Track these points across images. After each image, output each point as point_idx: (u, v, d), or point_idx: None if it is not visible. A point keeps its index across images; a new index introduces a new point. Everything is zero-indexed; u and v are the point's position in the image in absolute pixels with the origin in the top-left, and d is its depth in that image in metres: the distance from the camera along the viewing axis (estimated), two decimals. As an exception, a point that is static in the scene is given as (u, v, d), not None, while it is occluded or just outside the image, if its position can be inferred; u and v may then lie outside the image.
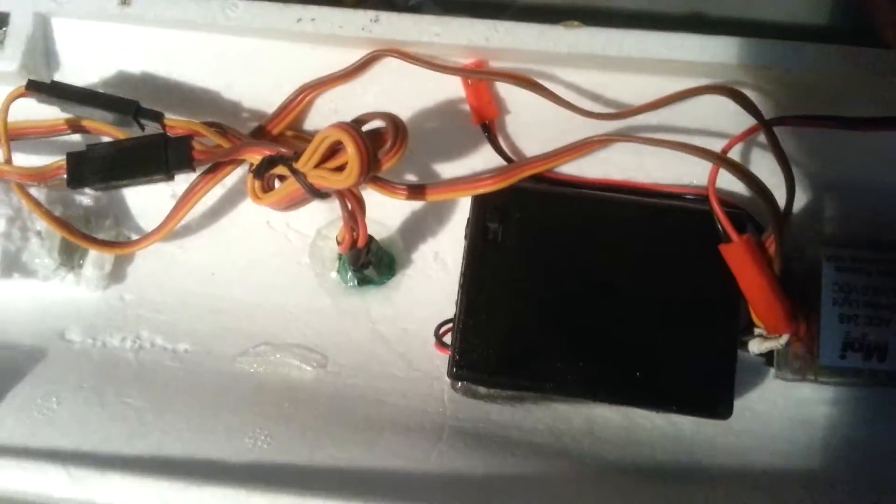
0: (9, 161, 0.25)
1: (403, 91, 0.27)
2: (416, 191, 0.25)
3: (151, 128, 0.25)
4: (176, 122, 0.25)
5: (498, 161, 0.27)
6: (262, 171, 0.23)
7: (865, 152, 0.25)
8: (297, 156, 0.23)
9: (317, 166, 0.23)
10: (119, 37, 0.27)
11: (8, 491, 0.23)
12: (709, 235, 0.24)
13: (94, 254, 0.27)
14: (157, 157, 0.24)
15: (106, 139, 0.25)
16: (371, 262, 0.26)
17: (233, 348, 0.28)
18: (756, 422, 0.26)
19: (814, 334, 0.24)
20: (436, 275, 0.28)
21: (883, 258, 0.24)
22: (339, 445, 0.25)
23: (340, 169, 0.23)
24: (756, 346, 0.25)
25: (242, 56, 0.27)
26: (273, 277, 0.28)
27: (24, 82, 0.25)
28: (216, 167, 0.25)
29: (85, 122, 0.25)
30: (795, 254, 0.25)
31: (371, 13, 0.25)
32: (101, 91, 0.26)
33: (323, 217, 0.28)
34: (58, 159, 0.25)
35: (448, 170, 0.27)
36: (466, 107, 0.26)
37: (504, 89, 0.27)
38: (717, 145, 0.25)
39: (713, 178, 0.24)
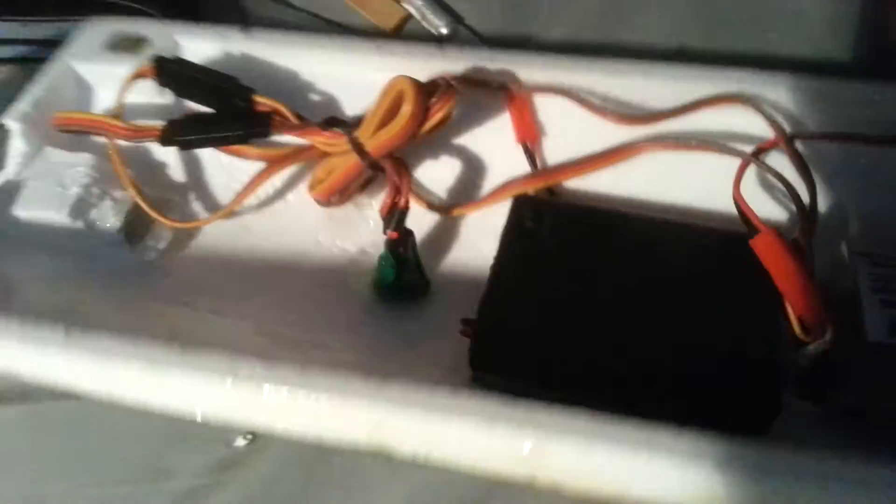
0: (117, 116, 0.29)
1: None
2: (454, 208, 0.27)
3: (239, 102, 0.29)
4: (263, 98, 0.29)
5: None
6: (328, 124, 0.27)
7: (883, 166, 0.26)
8: (356, 125, 0.26)
9: (374, 133, 0.26)
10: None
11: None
12: (738, 255, 0.24)
13: (155, 231, 0.30)
14: (239, 124, 0.28)
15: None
16: (408, 258, 0.27)
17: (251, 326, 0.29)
18: None
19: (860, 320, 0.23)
20: (468, 301, 0.27)
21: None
22: None
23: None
24: (805, 359, 0.24)
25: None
26: (313, 287, 0.29)
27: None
28: (275, 163, 0.29)
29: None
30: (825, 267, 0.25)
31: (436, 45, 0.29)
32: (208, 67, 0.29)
33: (365, 237, 0.30)
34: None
35: (489, 183, 0.29)
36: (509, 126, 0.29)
37: (543, 112, 0.29)
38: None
39: (739, 175, 0.25)
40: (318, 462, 0.27)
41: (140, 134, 0.28)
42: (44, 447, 0.28)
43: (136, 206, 0.29)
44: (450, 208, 0.28)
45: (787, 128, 0.26)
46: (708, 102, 0.27)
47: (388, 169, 0.26)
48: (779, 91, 0.26)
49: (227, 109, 0.28)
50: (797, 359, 0.24)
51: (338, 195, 0.29)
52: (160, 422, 0.25)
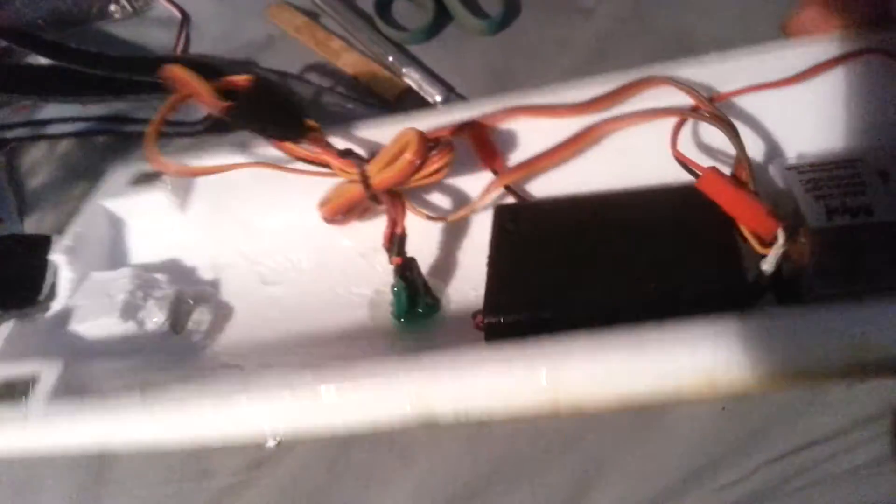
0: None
1: None
2: (444, 213, 0.31)
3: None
4: (310, 121, 0.32)
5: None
6: (345, 154, 0.31)
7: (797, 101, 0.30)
8: (369, 158, 0.30)
9: (381, 170, 0.30)
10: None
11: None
12: (690, 204, 0.28)
13: (195, 317, 0.34)
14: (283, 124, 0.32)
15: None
16: (416, 282, 0.31)
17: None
18: None
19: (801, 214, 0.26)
20: (477, 305, 0.30)
21: (836, 158, 0.28)
22: None
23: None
24: (768, 264, 0.26)
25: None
26: (341, 331, 0.33)
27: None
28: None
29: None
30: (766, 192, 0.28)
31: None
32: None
33: (376, 279, 0.34)
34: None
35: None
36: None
37: (503, 141, 0.32)
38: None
39: (675, 134, 0.29)
40: (339, 458, 0.32)
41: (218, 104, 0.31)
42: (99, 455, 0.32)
43: (176, 299, 0.34)
44: (439, 218, 0.32)
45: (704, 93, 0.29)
46: (630, 88, 0.30)
47: (385, 201, 0.30)
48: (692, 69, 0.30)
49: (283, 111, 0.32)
50: (764, 269, 0.27)
51: (341, 216, 0.33)
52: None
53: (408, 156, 0.29)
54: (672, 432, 0.31)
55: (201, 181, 0.36)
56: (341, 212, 0.33)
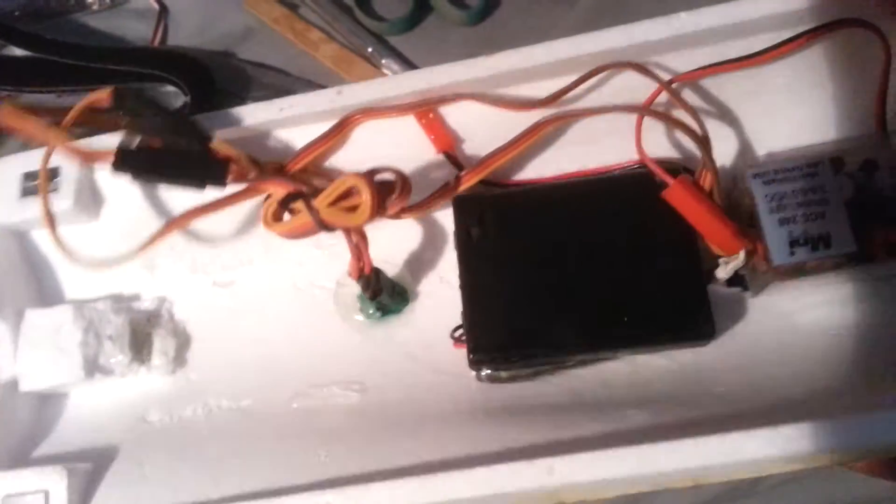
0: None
1: (377, 141, 0.33)
2: (404, 211, 0.29)
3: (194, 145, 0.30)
4: (221, 145, 0.30)
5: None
6: (285, 203, 0.29)
7: (758, 83, 0.30)
8: (315, 193, 0.28)
9: (330, 205, 0.28)
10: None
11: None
12: (654, 191, 0.28)
13: (157, 345, 0.33)
14: (197, 168, 0.29)
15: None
16: (383, 289, 0.31)
17: (286, 395, 0.32)
18: (746, 341, 0.29)
19: (765, 245, 0.27)
20: (444, 293, 0.32)
21: (800, 165, 0.28)
22: (389, 444, 0.29)
23: (351, 209, 0.27)
24: (723, 272, 0.28)
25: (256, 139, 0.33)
26: (307, 328, 0.33)
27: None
28: (237, 195, 0.30)
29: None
30: (731, 183, 0.29)
31: (335, 88, 0.32)
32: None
33: (337, 269, 0.33)
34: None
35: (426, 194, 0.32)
36: (428, 142, 0.32)
37: (454, 120, 0.32)
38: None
39: (638, 130, 0.28)
40: None
41: (91, 158, 0.29)
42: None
43: (132, 331, 0.32)
44: (405, 211, 0.31)
45: (664, 76, 0.29)
46: (590, 73, 0.30)
47: (345, 236, 0.28)
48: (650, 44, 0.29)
49: (185, 152, 0.29)
50: (719, 276, 0.28)
51: (293, 238, 0.31)
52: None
53: (361, 217, 0.27)
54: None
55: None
56: (293, 237, 0.30)
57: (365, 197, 0.26)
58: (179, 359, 0.34)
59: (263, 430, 0.31)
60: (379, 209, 0.27)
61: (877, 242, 0.27)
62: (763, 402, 0.27)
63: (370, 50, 0.40)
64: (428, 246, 0.33)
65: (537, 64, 0.29)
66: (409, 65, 0.40)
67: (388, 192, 0.27)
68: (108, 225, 0.34)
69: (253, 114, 0.32)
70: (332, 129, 0.31)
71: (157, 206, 0.34)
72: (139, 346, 0.33)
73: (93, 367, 0.32)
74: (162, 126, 0.29)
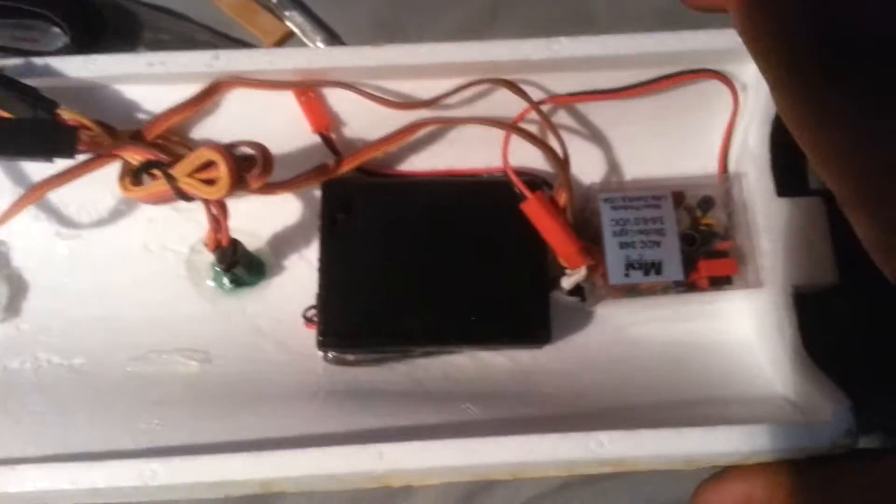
0: None
1: (249, 112, 0.32)
2: (270, 187, 0.29)
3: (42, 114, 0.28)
4: (68, 113, 0.28)
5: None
6: (140, 171, 0.28)
7: (621, 114, 0.32)
8: (173, 162, 0.27)
9: (189, 175, 0.27)
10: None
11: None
12: (514, 200, 0.30)
13: None
14: (42, 139, 0.27)
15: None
16: (239, 261, 0.31)
17: (124, 357, 0.31)
18: (578, 348, 0.32)
19: (605, 264, 0.30)
20: (302, 271, 0.32)
21: (646, 196, 0.31)
22: (227, 418, 0.29)
23: (210, 182, 0.27)
24: (566, 282, 0.31)
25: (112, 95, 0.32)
26: (155, 292, 0.32)
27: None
28: (90, 162, 0.29)
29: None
30: (584, 201, 0.32)
31: (211, 52, 0.30)
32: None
33: (193, 234, 0.32)
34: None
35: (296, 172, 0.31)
36: (304, 120, 0.32)
37: (333, 102, 0.32)
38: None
39: (505, 144, 0.30)
40: None
41: None
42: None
43: None
44: (272, 188, 0.31)
45: (535, 97, 0.30)
46: (469, 84, 0.31)
47: (204, 207, 0.28)
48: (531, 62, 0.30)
49: (30, 122, 0.28)
50: (563, 285, 0.31)
51: (152, 204, 0.30)
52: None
53: (219, 191, 0.27)
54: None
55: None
56: (150, 201, 0.30)
57: (222, 171, 0.26)
58: (12, 308, 0.32)
59: (94, 390, 0.30)
60: (238, 184, 0.27)
61: (701, 273, 0.31)
62: (585, 406, 0.30)
63: (274, 1, 0.38)
64: (293, 223, 0.33)
65: (420, 63, 0.30)
66: (313, 19, 0.39)
67: (249, 168, 0.27)
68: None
69: (119, 64, 0.30)
70: (199, 94, 0.30)
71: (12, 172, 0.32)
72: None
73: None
74: (2, 95, 0.27)
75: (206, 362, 0.31)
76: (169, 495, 0.26)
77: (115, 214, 0.33)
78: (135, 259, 0.32)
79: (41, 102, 0.28)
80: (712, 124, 0.32)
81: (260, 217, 0.32)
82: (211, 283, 0.33)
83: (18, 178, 0.32)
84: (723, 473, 0.25)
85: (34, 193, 0.29)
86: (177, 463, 0.25)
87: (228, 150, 0.26)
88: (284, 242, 0.33)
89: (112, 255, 0.32)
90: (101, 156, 0.29)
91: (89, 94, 0.30)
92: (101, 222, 0.33)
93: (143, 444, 0.27)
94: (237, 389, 0.31)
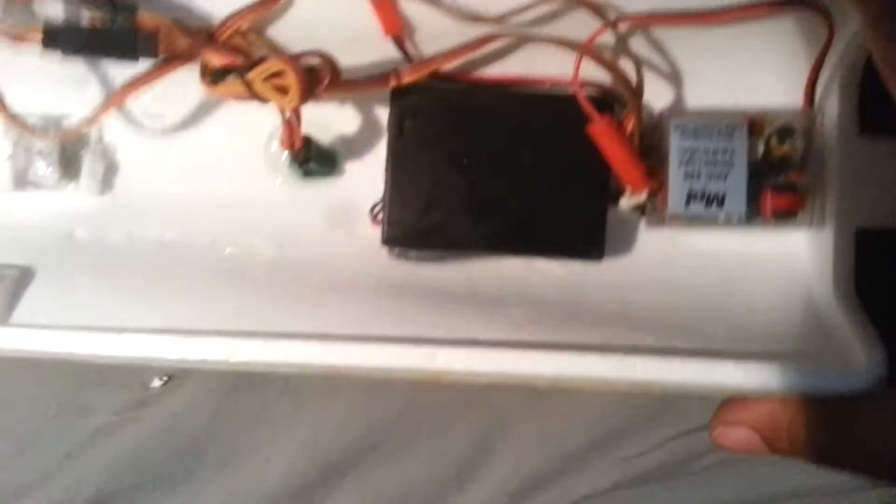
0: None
1: (322, 14, 0.32)
2: (342, 87, 0.30)
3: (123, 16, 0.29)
4: (148, 14, 0.29)
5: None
6: (218, 76, 0.29)
7: (699, 44, 0.31)
8: (249, 66, 0.28)
9: (264, 80, 0.28)
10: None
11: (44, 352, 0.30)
12: (582, 116, 0.30)
13: (87, 165, 0.34)
14: (126, 43, 0.29)
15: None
16: (312, 158, 0.32)
17: (209, 235, 0.34)
18: (632, 265, 0.33)
19: (666, 192, 0.30)
20: (372, 164, 0.34)
21: (719, 124, 0.30)
22: (300, 302, 0.33)
23: (282, 90, 0.28)
24: (626, 203, 0.31)
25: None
26: (234, 174, 0.34)
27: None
28: (170, 61, 0.30)
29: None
30: (652, 124, 0.31)
31: None
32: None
33: (271, 120, 0.33)
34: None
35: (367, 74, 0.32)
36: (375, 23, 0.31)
37: (406, 8, 0.32)
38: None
39: (577, 66, 0.30)
40: (226, 402, 0.33)
41: (20, 36, 0.29)
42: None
43: (62, 149, 0.33)
44: (342, 88, 0.31)
45: (611, 15, 0.29)
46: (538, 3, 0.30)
47: (278, 110, 0.29)
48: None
49: (112, 26, 0.29)
50: (620, 205, 0.32)
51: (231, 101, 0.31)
52: (82, 366, 0.29)
53: (291, 102, 0.28)
54: (580, 398, 0.32)
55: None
56: (230, 98, 0.31)
57: (293, 83, 0.27)
58: (107, 182, 0.35)
59: (184, 265, 0.34)
60: (308, 95, 0.27)
61: (766, 206, 0.31)
62: (627, 323, 0.32)
63: None
64: (363, 120, 0.34)
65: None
66: None
67: (318, 80, 0.28)
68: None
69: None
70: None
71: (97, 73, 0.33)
72: (68, 163, 0.34)
73: (22, 179, 0.33)
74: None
75: (281, 248, 0.34)
76: (249, 369, 0.30)
77: (196, 97, 0.34)
78: (217, 142, 0.34)
79: (122, 5, 0.29)
80: (797, 62, 0.31)
81: (332, 112, 0.33)
82: (287, 171, 0.34)
83: (103, 78, 0.34)
84: (740, 398, 0.27)
85: (119, 95, 0.31)
86: (256, 345, 0.29)
87: (297, 63, 0.27)
88: (356, 137, 0.34)
89: (193, 135, 0.35)
90: (179, 57, 0.30)
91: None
92: (183, 105, 0.34)
93: (228, 321, 0.31)
94: (308, 276, 0.33)
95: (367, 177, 0.34)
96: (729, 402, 0.28)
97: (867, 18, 0.19)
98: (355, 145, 0.34)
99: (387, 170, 0.32)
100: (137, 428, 0.34)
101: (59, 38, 0.29)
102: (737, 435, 0.27)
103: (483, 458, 0.33)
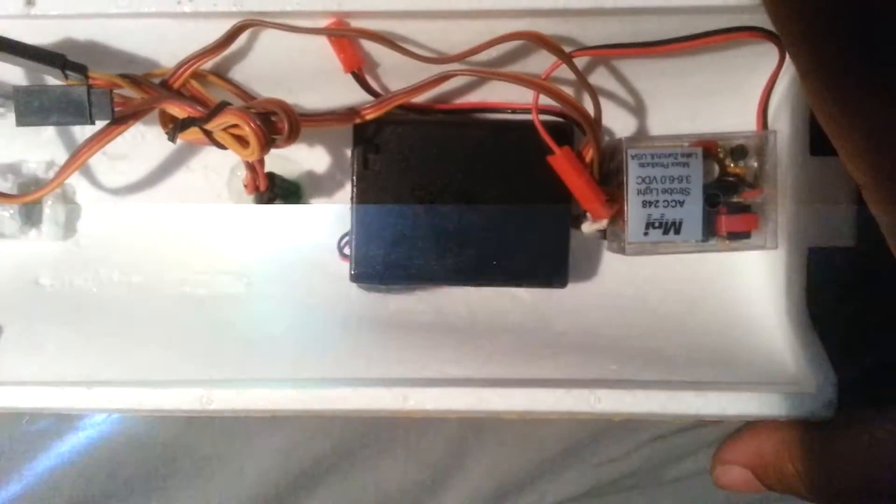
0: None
1: (280, 52, 0.31)
2: (305, 123, 0.29)
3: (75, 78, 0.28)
4: (98, 74, 0.28)
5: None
6: (178, 126, 0.29)
7: (655, 70, 0.31)
8: (208, 117, 0.28)
9: (224, 130, 0.28)
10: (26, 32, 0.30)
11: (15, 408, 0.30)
12: (542, 144, 0.30)
13: (48, 211, 0.33)
14: (80, 105, 0.28)
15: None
16: (278, 194, 0.32)
17: (175, 278, 0.34)
18: (594, 288, 0.34)
19: (626, 220, 0.30)
20: (338, 196, 0.34)
21: (675, 152, 0.30)
22: (270, 342, 0.33)
23: (243, 141, 0.28)
24: (587, 228, 0.32)
25: (140, 32, 0.31)
26: (198, 212, 0.34)
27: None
28: (126, 119, 0.30)
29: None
30: (610, 151, 0.31)
31: None
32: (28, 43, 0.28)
33: (233, 156, 0.32)
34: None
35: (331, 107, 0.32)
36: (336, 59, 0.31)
37: (366, 45, 0.31)
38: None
39: (535, 102, 0.30)
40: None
41: None
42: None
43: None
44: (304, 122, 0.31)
45: (566, 49, 0.29)
46: (498, 39, 0.30)
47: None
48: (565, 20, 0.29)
49: (67, 89, 0.28)
50: (583, 230, 0.32)
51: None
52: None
53: (251, 154, 0.28)
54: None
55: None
56: (193, 144, 0.31)
57: (249, 135, 0.27)
58: (70, 226, 0.35)
59: (152, 309, 0.34)
60: (268, 147, 0.28)
61: (721, 229, 0.31)
62: (591, 348, 0.33)
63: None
64: (327, 153, 0.35)
65: (457, 9, 0.29)
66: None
67: (277, 131, 0.28)
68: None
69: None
70: (224, 36, 0.30)
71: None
72: (29, 209, 0.34)
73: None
74: (20, 56, 0.28)
75: (249, 285, 0.34)
76: (223, 414, 0.30)
77: (156, 136, 0.33)
78: (180, 179, 0.34)
79: (72, 66, 0.28)
80: (749, 85, 0.31)
81: (297, 145, 0.32)
82: (251, 204, 0.34)
83: (68, 139, 0.34)
84: (736, 434, 0.29)
85: (80, 157, 0.30)
86: (231, 393, 0.30)
87: (253, 116, 0.27)
88: (321, 169, 0.35)
89: (158, 176, 0.34)
90: (136, 113, 0.29)
91: (118, 38, 0.30)
92: (144, 144, 0.34)
93: (199, 365, 0.31)
94: (278, 311, 0.34)
95: (333, 205, 0.34)
96: (727, 440, 0.29)
97: (798, 69, 0.19)
98: (321, 178, 0.35)
99: (352, 206, 0.32)
100: (111, 435, 0.34)
101: (31, 111, 0.29)
102: (732, 474, 0.29)
103: (458, 464, 0.33)
